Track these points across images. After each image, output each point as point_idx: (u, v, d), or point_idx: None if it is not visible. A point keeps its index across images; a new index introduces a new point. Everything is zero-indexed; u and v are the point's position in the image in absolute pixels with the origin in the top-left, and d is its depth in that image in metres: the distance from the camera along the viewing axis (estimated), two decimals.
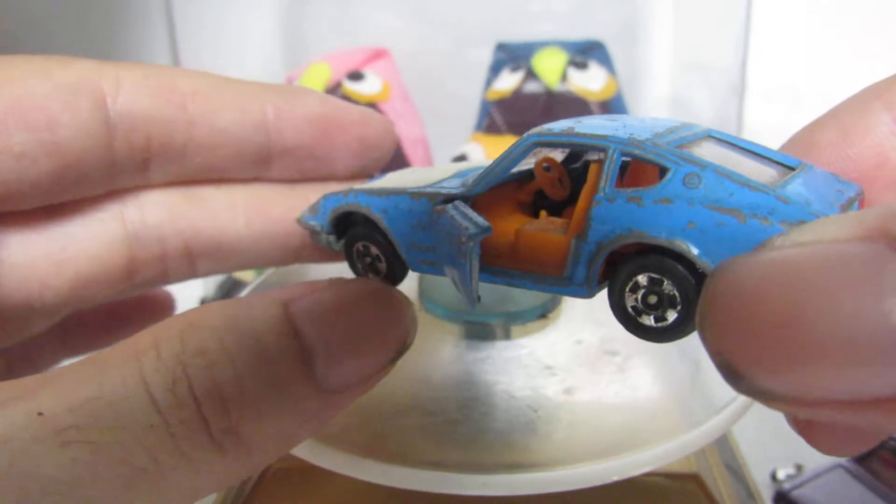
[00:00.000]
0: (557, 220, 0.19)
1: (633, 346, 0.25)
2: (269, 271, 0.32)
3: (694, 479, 0.25)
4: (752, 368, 0.12)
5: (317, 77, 0.51)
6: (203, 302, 0.49)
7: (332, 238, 0.22)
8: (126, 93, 0.23)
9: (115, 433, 0.15)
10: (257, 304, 0.17)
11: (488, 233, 0.17)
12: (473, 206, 0.18)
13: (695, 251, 0.15)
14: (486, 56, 0.55)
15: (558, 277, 0.18)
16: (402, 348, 0.19)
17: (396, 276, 0.21)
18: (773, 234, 0.14)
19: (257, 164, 0.25)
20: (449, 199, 0.19)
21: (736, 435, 0.32)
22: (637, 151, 0.16)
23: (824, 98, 0.19)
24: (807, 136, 0.19)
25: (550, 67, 0.52)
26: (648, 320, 0.16)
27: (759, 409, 0.23)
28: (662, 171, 0.16)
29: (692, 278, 0.16)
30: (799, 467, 0.38)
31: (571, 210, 0.19)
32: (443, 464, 0.21)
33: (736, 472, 0.29)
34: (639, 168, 0.18)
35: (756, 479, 0.29)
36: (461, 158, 0.50)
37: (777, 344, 0.12)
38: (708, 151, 0.17)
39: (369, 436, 0.22)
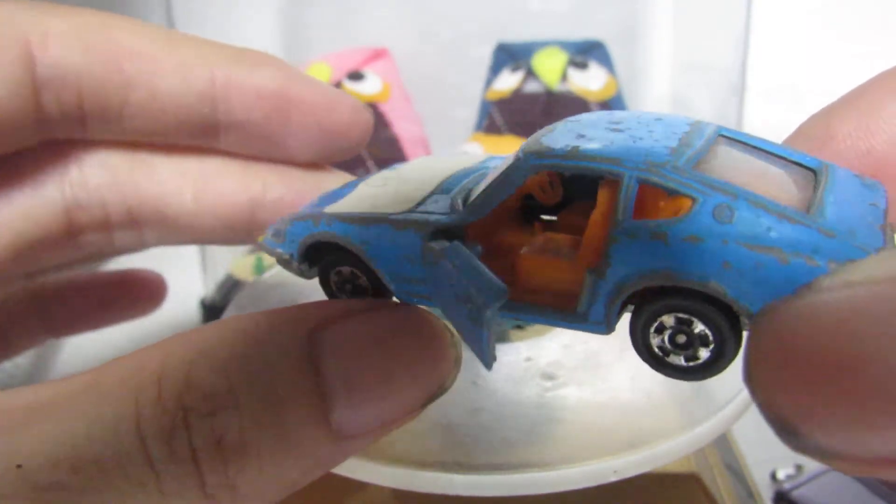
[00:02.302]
0: (559, 239, 0.17)
1: (579, 375, 0.24)
2: (272, 271, 0.31)
3: (694, 479, 0.25)
4: (809, 425, 0.11)
5: (317, 77, 0.51)
6: (203, 302, 0.49)
7: (304, 266, 0.20)
8: (55, 46, 0.21)
9: (99, 494, 0.14)
10: (279, 330, 0.16)
11: (506, 296, 0.15)
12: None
13: (732, 294, 0.14)
14: (486, 56, 0.55)
15: (571, 313, 0.16)
16: (438, 392, 0.17)
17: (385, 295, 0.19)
18: (818, 275, 0.13)
19: (203, 135, 0.23)
20: (439, 229, 0.17)
21: (736, 435, 0.32)
22: (656, 179, 0.14)
23: (824, 98, 0.19)
24: (822, 126, 0.18)
25: (550, 67, 0.52)
26: (678, 360, 0.15)
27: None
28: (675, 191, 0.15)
29: (726, 318, 0.14)
30: (799, 467, 0.38)
31: (567, 217, 0.17)
32: (442, 464, 0.21)
33: (736, 472, 0.29)
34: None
35: (756, 479, 0.29)
36: None
37: (837, 397, 0.10)
38: (726, 161, 0.15)
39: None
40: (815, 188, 0.15)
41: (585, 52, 0.53)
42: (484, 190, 0.17)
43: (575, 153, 0.15)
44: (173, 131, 0.23)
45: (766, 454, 0.37)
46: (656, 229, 0.14)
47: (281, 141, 0.24)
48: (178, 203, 0.24)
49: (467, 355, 0.25)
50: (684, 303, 0.14)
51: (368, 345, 0.16)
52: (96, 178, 0.23)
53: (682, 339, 0.15)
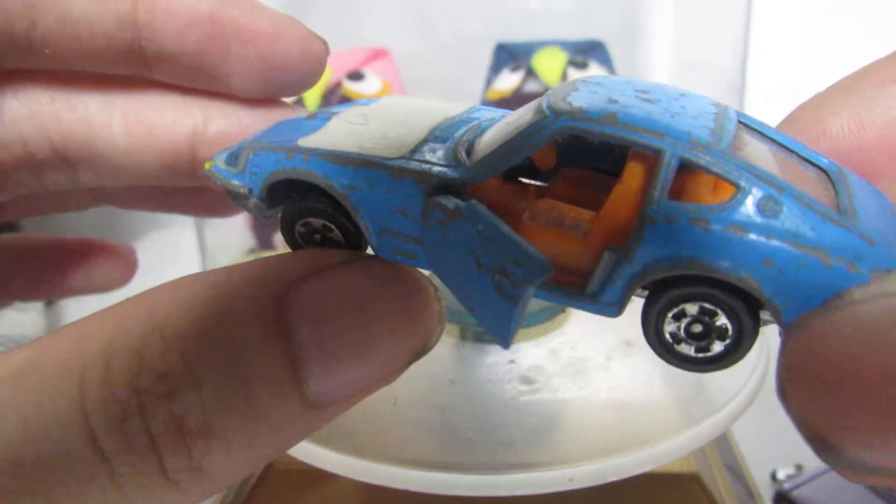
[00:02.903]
0: (562, 209, 0.16)
1: (556, 381, 0.24)
2: None
3: (694, 479, 0.25)
4: (849, 440, 0.11)
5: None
6: None
7: (263, 204, 0.17)
8: None
9: (45, 495, 0.12)
10: (244, 293, 0.14)
11: (551, 273, 0.13)
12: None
13: (767, 292, 0.13)
14: (486, 56, 0.55)
15: (578, 292, 0.15)
16: (422, 352, 0.15)
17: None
18: (857, 283, 0.12)
19: (131, 64, 0.21)
20: (444, 183, 0.15)
21: (736, 435, 0.32)
22: (701, 161, 0.13)
23: None
24: (814, 120, 0.17)
25: (551, 67, 0.52)
26: (687, 349, 0.14)
27: (758, 409, 0.23)
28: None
29: (751, 316, 0.14)
30: (799, 467, 0.38)
31: (561, 185, 0.16)
32: (442, 464, 0.21)
33: (736, 472, 0.29)
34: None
35: (756, 479, 0.29)
36: None
37: (879, 411, 0.10)
38: (755, 149, 0.15)
39: (368, 436, 0.22)
40: (838, 191, 0.14)
41: (585, 52, 0.54)
42: (500, 147, 0.15)
43: (613, 119, 0.14)
44: (95, 60, 0.20)
45: (766, 454, 0.37)
46: (697, 214, 0.13)
47: (220, 74, 0.21)
48: (108, 138, 0.21)
49: (460, 353, 0.25)
50: (716, 294, 0.14)
51: (346, 304, 0.14)
52: (11, 111, 0.21)
53: (698, 328, 0.14)
